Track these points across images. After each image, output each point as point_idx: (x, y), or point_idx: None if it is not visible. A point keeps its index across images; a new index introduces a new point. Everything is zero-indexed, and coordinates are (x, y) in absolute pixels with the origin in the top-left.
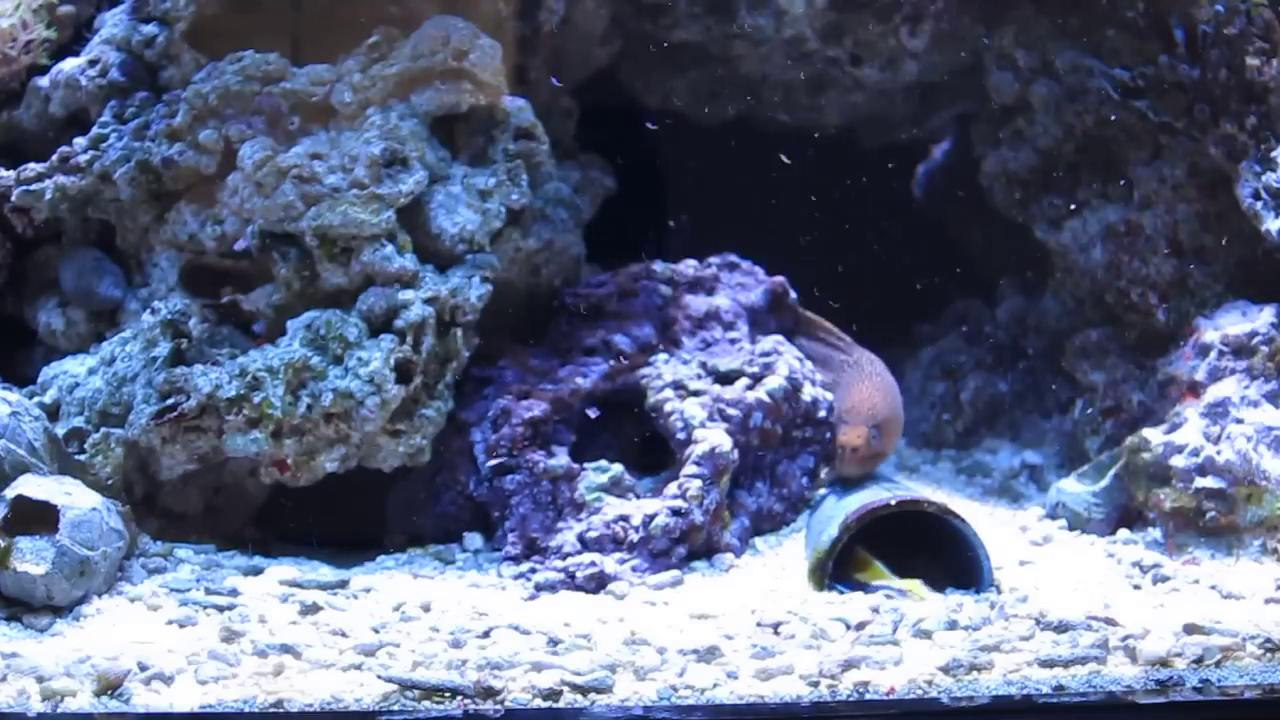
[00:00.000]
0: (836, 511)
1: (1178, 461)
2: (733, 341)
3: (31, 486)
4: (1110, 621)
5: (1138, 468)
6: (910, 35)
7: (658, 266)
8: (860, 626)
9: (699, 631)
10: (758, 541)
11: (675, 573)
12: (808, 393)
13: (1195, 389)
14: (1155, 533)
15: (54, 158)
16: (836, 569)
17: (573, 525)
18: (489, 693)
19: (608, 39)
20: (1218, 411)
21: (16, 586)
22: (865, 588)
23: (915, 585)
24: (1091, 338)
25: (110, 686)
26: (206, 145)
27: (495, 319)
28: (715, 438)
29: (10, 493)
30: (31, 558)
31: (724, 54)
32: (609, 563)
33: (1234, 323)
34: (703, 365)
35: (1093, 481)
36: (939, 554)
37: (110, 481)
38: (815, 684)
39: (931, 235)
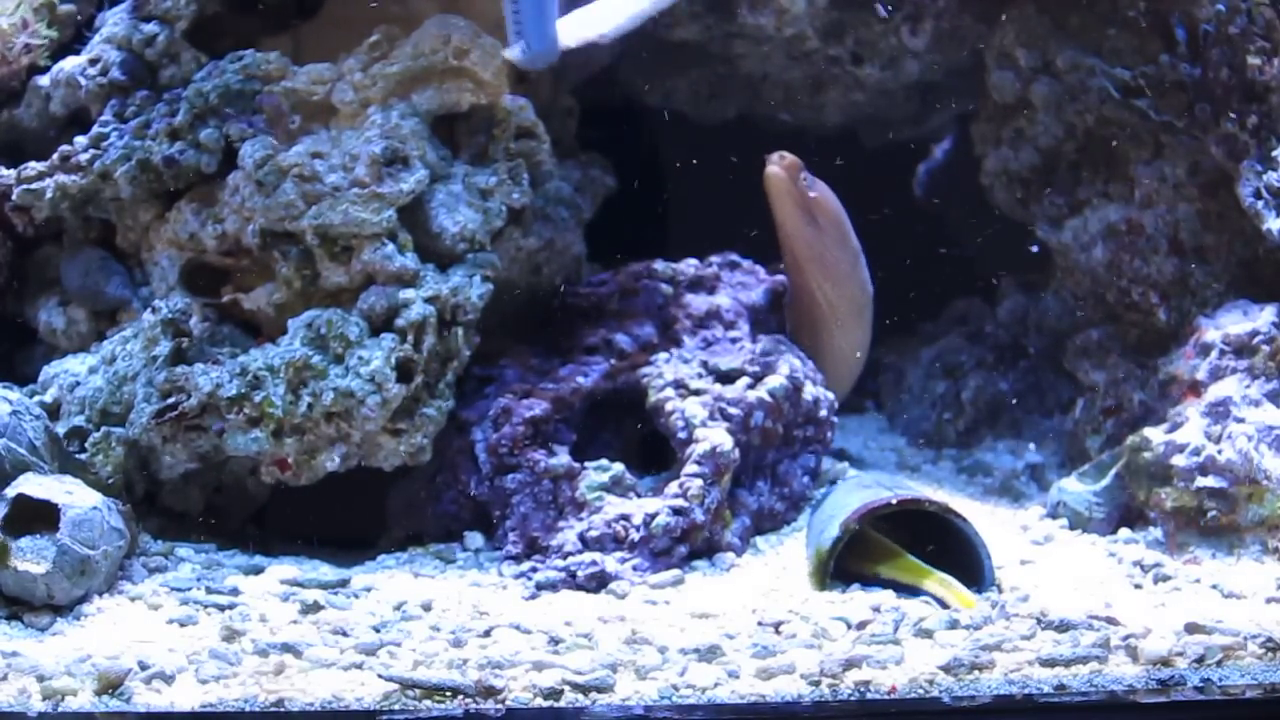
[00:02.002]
0: (837, 510)
1: (1179, 461)
2: (734, 340)
3: (32, 485)
4: (1111, 621)
5: (1139, 467)
6: (911, 34)
7: (659, 265)
8: (861, 625)
9: (700, 631)
10: (759, 540)
11: (676, 572)
12: (809, 392)
13: (1196, 388)
14: (1156, 532)
15: (55, 156)
16: (851, 562)
17: (574, 524)
18: (490, 692)
19: None
20: (1219, 411)
21: (17, 585)
22: (897, 589)
23: (952, 589)
24: (1092, 337)
25: (111, 685)
26: (207, 144)
27: (496, 318)
28: (716, 437)
29: (11, 491)
30: (32, 556)
31: (724, 53)
32: (610, 562)
33: (1235, 322)
34: (704, 364)
35: (1094, 481)
36: (940, 553)
37: (111, 480)
38: (816, 683)
39: (932, 234)
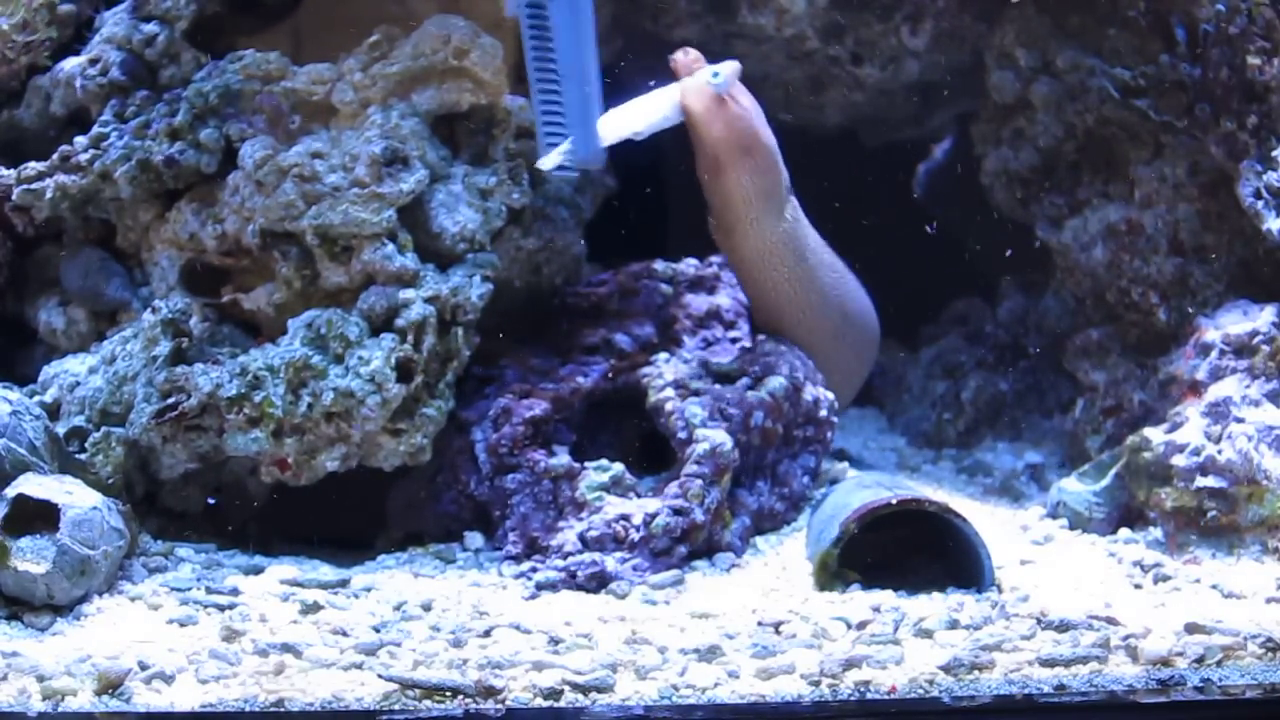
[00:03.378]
0: (837, 510)
1: (1179, 461)
2: (734, 340)
3: (32, 485)
4: (1111, 621)
5: (1139, 467)
6: (911, 34)
7: (658, 265)
8: (861, 625)
9: (700, 631)
10: (759, 541)
11: (676, 572)
12: (809, 392)
13: (1196, 388)
14: (1156, 532)
15: (55, 156)
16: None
17: (574, 524)
18: (490, 692)
19: (609, 38)
20: (1219, 411)
21: (17, 585)
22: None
23: None
24: (1092, 337)
25: (111, 685)
26: (207, 144)
27: (496, 318)
28: (716, 437)
29: (11, 491)
30: (32, 557)
31: (725, 53)
32: (610, 562)
33: (1235, 322)
34: (704, 364)
35: (1094, 481)
36: (940, 553)
37: (111, 480)
38: (816, 683)
39: (932, 234)
